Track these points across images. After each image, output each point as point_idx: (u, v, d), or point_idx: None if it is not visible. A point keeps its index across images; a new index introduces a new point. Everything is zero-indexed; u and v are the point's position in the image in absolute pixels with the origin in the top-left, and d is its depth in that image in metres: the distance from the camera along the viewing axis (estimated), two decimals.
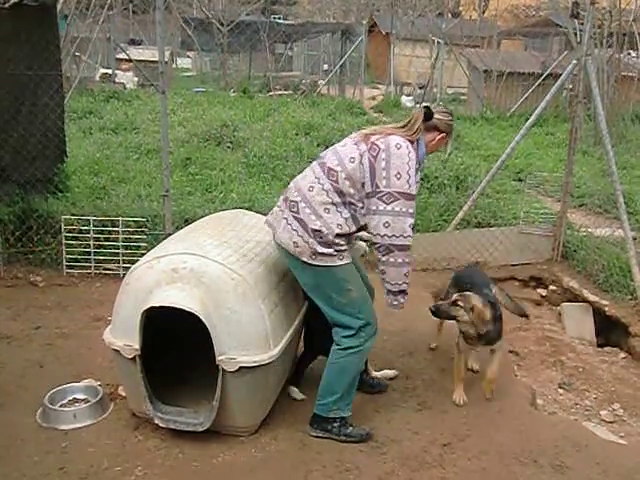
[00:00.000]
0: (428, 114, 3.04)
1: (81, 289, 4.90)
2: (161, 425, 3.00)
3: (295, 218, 2.93)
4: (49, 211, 5.22)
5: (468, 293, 3.33)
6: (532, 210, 5.89)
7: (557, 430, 3.26)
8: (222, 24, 17.54)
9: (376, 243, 2.94)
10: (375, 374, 3.65)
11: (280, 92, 16.72)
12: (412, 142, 2.99)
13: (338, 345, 3.06)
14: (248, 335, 2.88)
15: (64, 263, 5.04)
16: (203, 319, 2.80)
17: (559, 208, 5.79)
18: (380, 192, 2.86)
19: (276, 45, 21.94)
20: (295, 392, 3.47)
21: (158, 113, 5.70)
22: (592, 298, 4.98)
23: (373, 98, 18.46)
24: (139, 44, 19.81)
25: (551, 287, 5.43)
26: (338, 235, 2.90)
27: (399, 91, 18.93)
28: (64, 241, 4.99)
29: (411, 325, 4.27)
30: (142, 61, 12.27)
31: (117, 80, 15.79)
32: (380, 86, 21.24)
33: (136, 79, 16.57)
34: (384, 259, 2.95)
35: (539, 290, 5.48)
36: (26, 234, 5.12)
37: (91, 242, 5.00)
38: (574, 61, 5.31)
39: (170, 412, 3.03)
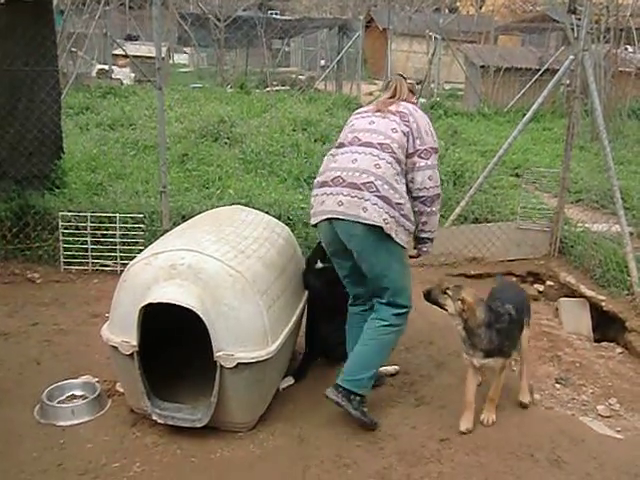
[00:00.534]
0: (404, 79, 3.39)
1: (78, 285, 4.89)
2: (159, 421, 3.00)
3: (378, 197, 3.03)
4: (46, 207, 5.21)
5: (461, 285, 3.26)
6: (529, 206, 5.89)
7: (554, 425, 3.27)
8: (219, 20, 17.48)
9: (421, 197, 3.19)
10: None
11: (277, 88, 16.69)
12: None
13: (384, 321, 3.21)
14: (246, 331, 2.88)
15: (61, 259, 5.03)
16: (201, 315, 2.80)
17: (556, 203, 5.80)
18: (418, 150, 3.14)
19: (273, 41, 21.91)
20: (285, 381, 3.49)
21: (155, 109, 5.71)
22: (589, 293, 4.99)
23: (370, 94, 18.41)
24: (136, 40, 19.78)
25: (548, 282, 5.43)
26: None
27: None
28: (61, 237, 4.98)
29: (409, 321, 4.26)
30: (139, 57, 12.22)
31: (114, 76, 15.73)
32: (377, 82, 21.20)
33: (133, 75, 16.52)
34: (429, 209, 3.23)
35: (536, 285, 5.48)
36: (23, 230, 5.12)
37: (88, 238, 5.00)
38: (571, 56, 5.31)
39: (168, 408, 3.03)
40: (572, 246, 5.62)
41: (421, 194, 3.17)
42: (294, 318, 3.30)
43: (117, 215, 5.02)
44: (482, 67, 15.46)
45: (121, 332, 2.95)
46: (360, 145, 3.16)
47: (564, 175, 5.68)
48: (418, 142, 3.14)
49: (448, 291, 3.16)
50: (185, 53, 25.59)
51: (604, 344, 4.64)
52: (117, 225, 4.99)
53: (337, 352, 3.54)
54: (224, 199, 5.95)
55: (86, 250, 5.02)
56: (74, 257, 5.03)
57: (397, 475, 2.83)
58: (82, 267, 5.06)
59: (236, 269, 2.91)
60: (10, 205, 5.15)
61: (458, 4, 28.42)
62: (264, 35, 18.12)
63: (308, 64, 23.39)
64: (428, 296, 3.24)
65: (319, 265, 3.58)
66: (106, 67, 15.96)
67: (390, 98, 3.31)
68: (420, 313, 3.92)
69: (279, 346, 2.99)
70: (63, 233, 4.98)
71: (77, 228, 5.00)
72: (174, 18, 19.70)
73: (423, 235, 3.34)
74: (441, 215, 5.88)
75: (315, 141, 8.53)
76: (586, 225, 5.92)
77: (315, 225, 3.25)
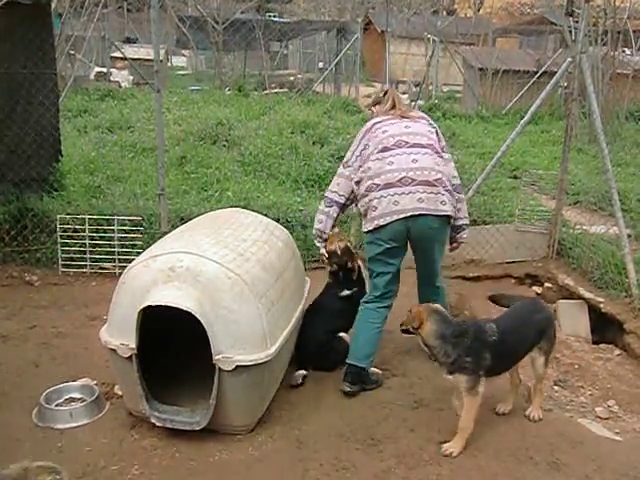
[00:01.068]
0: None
1: (77, 288, 4.89)
2: (157, 424, 3.00)
3: (447, 191, 3.43)
4: (44, 210, 5.21)
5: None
6: (527, 208, 5.89)
7: (553, 427, 3.27)
8: (217, 22, 17.46)
9: (455, 185, 3.58)
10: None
11: (275, 90, 16.70)
12: None
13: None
14: (245, 334, 2.88)
15: (60, 262, 5.03)
16: (200, 318, 2.80)
17: (554, 206, 5.81)
18: (443, 147, 3.62)
19: (271, 43, 21.89)
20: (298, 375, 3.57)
21: (153, 112, 5.70)
22: (587, 295, 5.00)
23: (369, 96, 18.37)
24: (134, 42, 19.77)
25: (546, 284, 5.44)
26: None
27: (395, 89, 18.90)
28: (59, 240, 4.98)
29: None
30: (137, 59, 12.23)
31: (112, 79, 15.72)
32: (375, 84, 21.23)
33: (131, 78, 16.52)
34: (462, 196, 3.71)
35: (534, 287, 5.49)
36: (21, 233, 5.11)
37: (87, 241, 4.99)
38: (569, 59, 5.32)
39: (167, 411, 3.03)
40: (570, 248, 5.62)
41: (454, 182, 3.58)
42: (293, 321, 3.30)
43: (115, 218, 5.02)
44: (480, 69, 15.47)
45: (120, 335, 2.95)
46: (411, 147, 3.44)
47: (562, 177, 5.69)
48: (442, 140, 3.64)
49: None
50: (183, 56, 25.59)
51: (602, 346, 4.65)
52: (115, 228, 4.99)
53: (330, 362, 3.71)
54: (222, 202, 5.95)
55: (84, 253, 5.02)
56: (72, 260, 5.03)
57: (396, 478, 2.83)
58: (80, 270, 5.05)
59: (235, 272, 2.91)
60: (8, 208, 5.15)
61: (456, 6, 28.50)
62: (262, 38, 18.12)
63: (306, 66, 23.39)
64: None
65: (346, 292, 3.80)
66: (104, 70, 15.96)
67: (392, 109, 3.68)
68: None
69: (278, 349, 2.98)
70: (61, 236, 4.97)
71: (75, 231, 5.00)
72: (172, 21, 19.69)
73: (461, 222, 3.72)
74: None
75: (313, 143, 8.53)
76: (584, 227, 5.92)
77: (376, 228, 3.39)
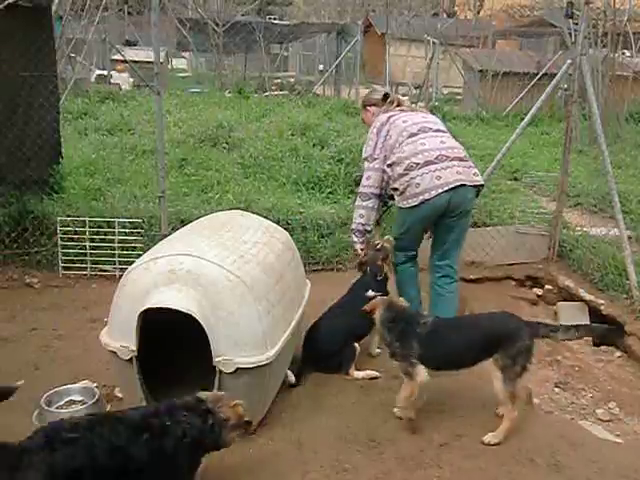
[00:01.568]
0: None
1: (77, 290, 4.89)
2: None
3: (474, 165, 3.88)
4: (44, 212, 5.21)
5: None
6: (528, 209, 5.90)
7: (553, 429, 3.27)
8: (217, 24, 17.50)
9: None
10: (357, 374, 3.70)
11: (276, 92, 16.72)
12: None
13: (452, 278, 4.01)
14: (245, 336, 2.88)
15: (60, 264, 5.03)
16: (200, 320, 2.80)
17: (555, 207, 5.81)
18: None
19: (271, 45, 21.95)
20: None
21: (153, 114, 5.69)
22: (588, 297, 5.00)
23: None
24: (134, 45, 19.80)
25: (547, 286, 5.44)
26: None
27: (395, 91, 18.93)
28: (60, 242, 4.98)
29: None
30: (137, 62, 12.22)
31: (112, 81, 15.74)
32: (376, 86, 21.22)
33: (131, 80, 16.54)
34: None
35: (535, 289, 5.49)
36: (22, 235, 5.11)
37: (87, 243, 5.00)
38: (569, 61, 5.32)
39: None
40: (571, 250, 5.62)
41: None
42: (293, 323, 3.29)
43: (115, 220, 5.02)
44: (480, 71, 15.49)
45: (120, 337, 2.95)
46: (435, 132, 3.87)
47: (562, 179, 5.69)
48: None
49: None
50: (184, 58, 25.62)
51: (603, 348, 4.65)
52: (115, 230, 4.99)
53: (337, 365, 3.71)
54: (223, 204, 5.95)
55: (84, 255, 5.02)
56: (73, 262, 5.03)
57: None
58: (81, 272, 5.06)
59: (235, 274, 2.91)
60: (8, 210, 5.15)
61: (456, 9, 28.53)
62: (263, 40, 18.18)
63: (306, 69, 23.43)
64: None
65: (371, 294, 3.77)
66: (105, 72, 15.98)
67: (397, 107, 4.11)
68: None
69: (278, 351, 2.98)
70: (61, 238, 4.98)
71: (75, 233, 5.00)
72: (173, 23, 19.74)
73: None
74: None
75: (314, 146, 8.53)
76: (585, 229, 5.92)
77: (422, 203, 3.70)
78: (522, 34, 21.52)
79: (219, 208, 5.46)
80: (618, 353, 4.53)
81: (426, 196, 3.69)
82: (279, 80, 20.09)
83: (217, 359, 2.85)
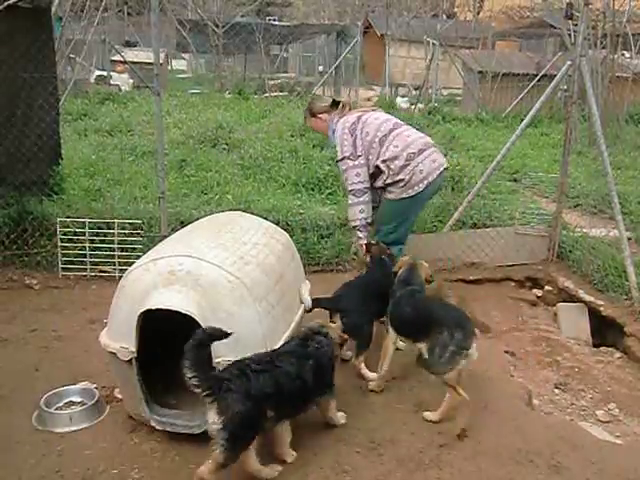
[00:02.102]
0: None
1: (77, 291, 4.88)
2: (157, 428, 3.00)
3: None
4: (44, 213, 5.20)
5: None
6: (527, 211, 5.90)
7: (553, 430, 3.27)
8: (217, 26, 17.51)
9: None
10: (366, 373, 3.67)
11: (275, 93, 16.72)
12: None
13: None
14: (245, 337, 2.87)
15: (59, 265, 5.03)
16: (200, 322, 2.79)
17: (554, 208, 5.81)
18: None
19: (271, 47, 21.98)
20: None
21: (153, 115, 5.70)
22: (587, 298, 5.00)
23: (368, 99, 18.45)
24: (134, 46, 19.81)
25: (547, 287, 5.44)
26: None
27: (394, 92, 18.95)
28: (59, 243, 4.98)
29: None
30: (137, 63, 12.23)
31: (112, 82, 15.75)
32: (375, 87, 21.26)
33: (131, 81, 16.55)
34: None
35: (535, 290, 5.48)
36: (21, 236, 5.11)
37: (87, 244, 4.99)
38: (568, 62, 5.33)
39: (166, 415, 3.02)
40: (570, 251, 5.62)
41: None
42: (293, 324, 3.29)
43: (115, 221, 5.02)
44: (480, 73, 15.50)
45: (120, 338, 2.95)
46: (404, 125, 4.26)
47: (562, 180, 5.69)
48: None
49: None
50: (183, 59, 25.65)
51: (603, 349, 4.65)
52: (115, 231, 4.99)
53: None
54: (222, 205, 5.95)
55: (84, 256, 5.01)
56: (72, 263, 5.03)
57: None
58: (80, 273, 5.05)
59: (235, 275, 2.91)
60: (8, 211, 5.15)
61: (456, 10, 28.54)
62: (262, 41, 18.19)
63: (306, 70, 23.45)
64: None
65: None
66: (104, 73, 15.98)
67: (349, 110, 4.38)
68: None
69: None
70: (61, 239, 4.97)
71: (75, 234, 4.99)
72: (172, 24, 19.76)
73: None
74: (439, 220, 5.98)
75: (313, 147, 8.53)
76: (584, 230, 5.93)
77: (427, 186, 4.12)
78: (522, 35, 21.57)
79: (219, 209, 5.46)
80: (618, 354, 4.53)
81: (430, 179, 4.12)
82: (279, 81, 20.10)
83: (217, 360, 2.84)
